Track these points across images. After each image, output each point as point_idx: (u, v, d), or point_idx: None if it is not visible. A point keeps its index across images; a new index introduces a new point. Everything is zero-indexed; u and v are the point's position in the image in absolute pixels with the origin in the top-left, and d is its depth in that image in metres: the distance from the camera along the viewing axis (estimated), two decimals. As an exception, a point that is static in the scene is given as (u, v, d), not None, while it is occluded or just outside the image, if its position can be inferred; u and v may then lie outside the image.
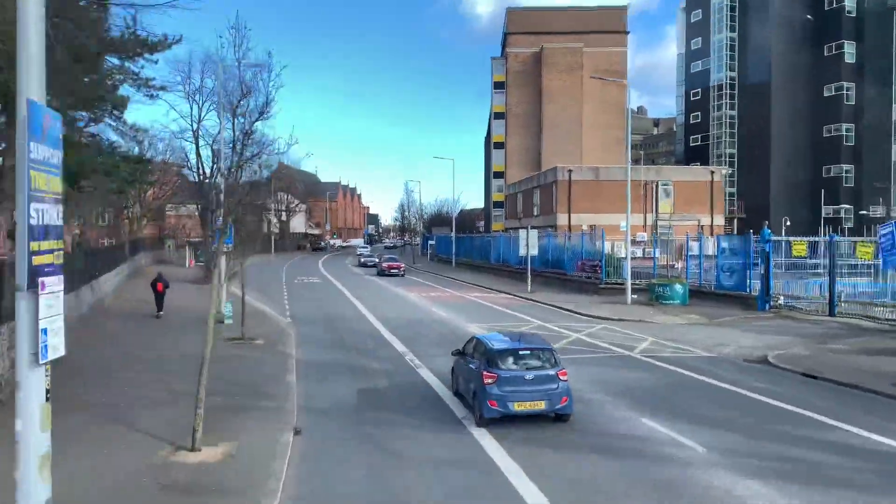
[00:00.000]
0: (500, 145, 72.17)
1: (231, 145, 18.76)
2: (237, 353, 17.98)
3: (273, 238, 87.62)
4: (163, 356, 17.79)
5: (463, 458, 10.18)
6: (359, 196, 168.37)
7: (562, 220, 47.65)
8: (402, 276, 50.11)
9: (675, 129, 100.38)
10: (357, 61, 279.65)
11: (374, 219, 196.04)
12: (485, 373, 11.28)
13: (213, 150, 41.07)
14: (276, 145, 22.63)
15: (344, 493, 8.92)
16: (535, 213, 54.56)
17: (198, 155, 41.89)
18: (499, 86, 72.05)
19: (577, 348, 19.58)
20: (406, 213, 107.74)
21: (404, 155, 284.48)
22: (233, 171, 17.59)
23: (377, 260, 58.93)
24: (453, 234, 59.53)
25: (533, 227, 50.52)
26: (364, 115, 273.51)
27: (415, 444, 10.83)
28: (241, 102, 15.38)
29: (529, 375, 11.32)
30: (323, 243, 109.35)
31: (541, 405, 11.18)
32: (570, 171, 48.01)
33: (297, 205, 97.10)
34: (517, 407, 11.10)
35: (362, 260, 67.24)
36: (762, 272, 25.86)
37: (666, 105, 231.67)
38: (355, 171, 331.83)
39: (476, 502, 8.71)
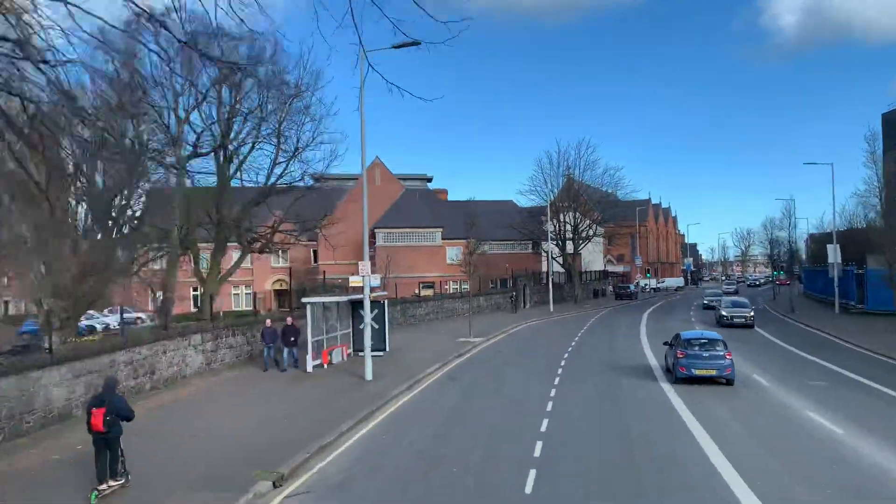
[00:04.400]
0: None
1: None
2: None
3: (551, 281, 52.53)
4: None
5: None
6: (674, 219, 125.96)
7: None
8: None
9: None
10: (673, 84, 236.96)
11: (691, 250, 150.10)
12: (678, 351, 19.72)
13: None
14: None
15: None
16: None
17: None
18: None
19: None
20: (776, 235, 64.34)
21: (723, 179, 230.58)
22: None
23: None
24: None
25: None
26: (680, 134, 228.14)
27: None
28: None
29: (706, 354, 19.35)
30: (633, 287, 71.25)
31: (712, 372, 19.07)
32: None
33: (589, 226, 60.93)
34: (697, 372, 19.06)
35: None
36: None
37: None
38: (665, 192, 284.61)
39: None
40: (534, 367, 23.25)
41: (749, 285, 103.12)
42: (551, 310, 49.84)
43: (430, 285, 49.15)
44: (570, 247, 61.13)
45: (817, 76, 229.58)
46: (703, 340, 19.78)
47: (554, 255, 62.62)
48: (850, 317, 39.29)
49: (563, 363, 23.80)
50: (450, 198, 69.81)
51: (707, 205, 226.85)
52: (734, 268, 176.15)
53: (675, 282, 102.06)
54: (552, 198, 58.95)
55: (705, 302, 52.28)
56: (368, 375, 20.54)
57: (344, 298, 22.85)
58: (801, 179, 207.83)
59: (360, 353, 25.13)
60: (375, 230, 50.99)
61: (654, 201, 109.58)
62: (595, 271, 76.38)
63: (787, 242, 62.70)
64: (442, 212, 61.77)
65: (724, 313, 36.64)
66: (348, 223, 55.53)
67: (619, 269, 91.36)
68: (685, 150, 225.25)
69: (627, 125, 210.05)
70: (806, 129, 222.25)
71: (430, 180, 67.51)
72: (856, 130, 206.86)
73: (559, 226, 60.27)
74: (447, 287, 54.81)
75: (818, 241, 63.45)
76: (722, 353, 19.14)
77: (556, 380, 20.48)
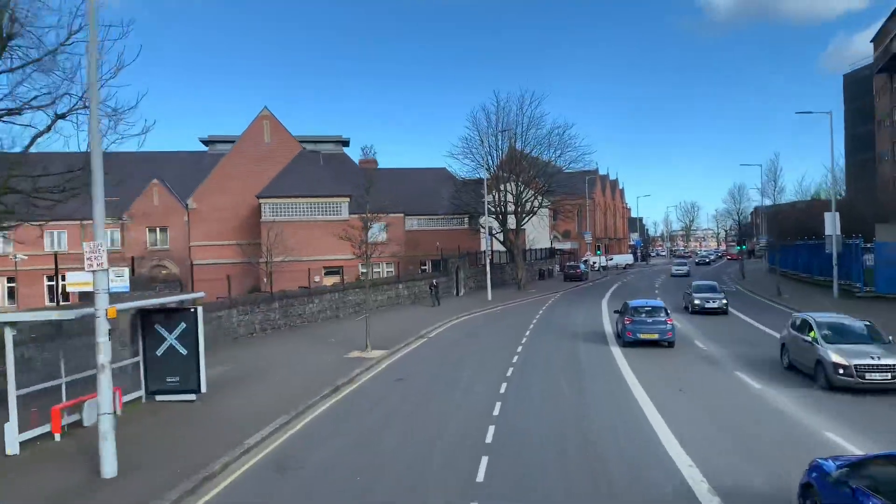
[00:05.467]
0: None
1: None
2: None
3: (489, 263, 43.13)
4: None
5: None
6: (621, 191, 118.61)
7: None
8: None
9: None
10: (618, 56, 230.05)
11: (636, 224, 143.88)
12: (625, 318, 21.96)
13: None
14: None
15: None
16: None
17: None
18: None
19: None
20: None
21: (671, 150, 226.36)
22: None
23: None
24: None
25: None
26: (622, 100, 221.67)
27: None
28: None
29: (649, 320, 21.45)
30: (583, 266, 62.40)
31: (655, 336, 21.16)
32: None
33: (534, 197, 51.41)
34: (641, 336, 21.18)
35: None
36: None
37: None
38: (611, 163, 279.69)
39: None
40: (447, 423, 13.38)
41: (698, 262, 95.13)
42: (489, 298, 40.29)
43: (337, 270, 38.64)
44: (511, 221, 51.67)
45: (751, 51, 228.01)
46: (647, 308, 22.21)
47: (494, 232, 53.15)
48: (859, 303, 31.15)
49: (496, 414, 14.00)
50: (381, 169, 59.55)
51: (654, 177, 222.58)
52: (678, 242, 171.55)
53: (624, 259, 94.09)
54: (490, 161, 49.25)
55: (696, 301, 30.23)
56: (107, 469, 10.25)
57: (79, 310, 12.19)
58: (760, 151, 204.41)
59: (159, 398, 14.91)
60: (261, 200, 40.05)
61: (600, 172, 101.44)
62: (541, 249, 67.46)
63: (764, 212, 53.75)
64: (357, 180, 51.55)
65: (833, 359, 14.73)
66: (228, 192, 44.28)
67: (567, 245, 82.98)
68: (629, 121, 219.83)
69: (569, 97, 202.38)
70: (745, 102, 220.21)
71: (346, 143, 56.71)
72: (793, 104, 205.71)
73: (499, 195, 50.72)
74: (364, 272, 44.78)
75: (801, 210, 55.59)
76: (664, 319, 21.45)
77: (483, 464, 10.64)
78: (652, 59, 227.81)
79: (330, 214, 38.17)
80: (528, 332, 25.88)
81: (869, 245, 33.17)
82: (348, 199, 38.15)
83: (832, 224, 34.63)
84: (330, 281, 37.22)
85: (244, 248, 38.93)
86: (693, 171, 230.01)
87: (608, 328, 26.64)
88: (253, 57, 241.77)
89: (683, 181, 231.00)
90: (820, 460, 7.79)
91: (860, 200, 58.00)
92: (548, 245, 72.79)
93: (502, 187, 51.06)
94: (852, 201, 59.92)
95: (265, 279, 35.25)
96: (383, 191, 55.73)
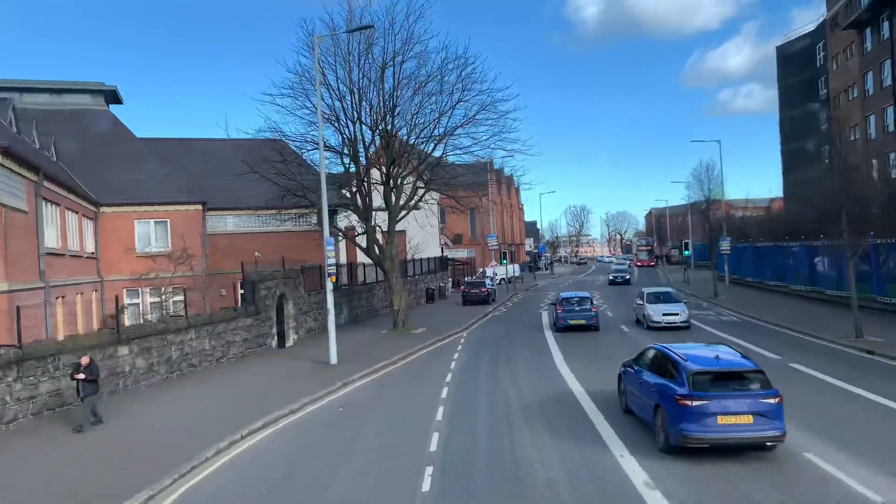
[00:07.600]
0: None
1: None
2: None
3: (329, 284, 22.99)
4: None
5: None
6: (517, 190, 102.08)
7: None
8: None
9: None
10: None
11: (532, 229, 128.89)
12: (557, 307, 27.32)
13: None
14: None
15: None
16: None
17: None
18: None
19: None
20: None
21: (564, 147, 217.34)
22: None
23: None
24: None
25: None
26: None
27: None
28: None
29: (577, 308, 26.68)
30: (488, 282, 43.76)
31: (582, 322, 26.26)
32: None
33: (416, 176, 32.18)
34: (571, 322, 26.32)
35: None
36: None
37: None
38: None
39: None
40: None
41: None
42: (332, 359, 20.57)
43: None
44: (380, 219, 31.97)
45: (619, 64, 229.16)
46: (576, 298, 27.67)
47: (357, 233, 33.39)
48: None
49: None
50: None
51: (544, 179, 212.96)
52: (569, 248, 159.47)
53: (510, 270, 75.86)
54: (346, 111, 29.47)
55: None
56: None
57: None
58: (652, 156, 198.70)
59: None
60: None
61: (496, 167, 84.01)
62: (428, 259, 48.34)
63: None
64: (126, 149, 30.99)
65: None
66: None
67: (462, 253, 64.87)
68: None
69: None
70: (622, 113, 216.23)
71: (113, 97, 35.35)
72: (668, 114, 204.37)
73: (360, 174, 31.10)
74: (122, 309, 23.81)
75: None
76: (589, 307, 26.89)
77: None
78: (528, 71, 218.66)
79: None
80: None
81: None
82: (35, 177, 16.67)
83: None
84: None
85: None
86: (584, 175, 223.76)
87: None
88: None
89: (572, 186, 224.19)
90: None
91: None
92: (438, 253, 54.00)
93: (366, 160, 31.39)
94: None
95: None
96: (162, 170, 34.53)
